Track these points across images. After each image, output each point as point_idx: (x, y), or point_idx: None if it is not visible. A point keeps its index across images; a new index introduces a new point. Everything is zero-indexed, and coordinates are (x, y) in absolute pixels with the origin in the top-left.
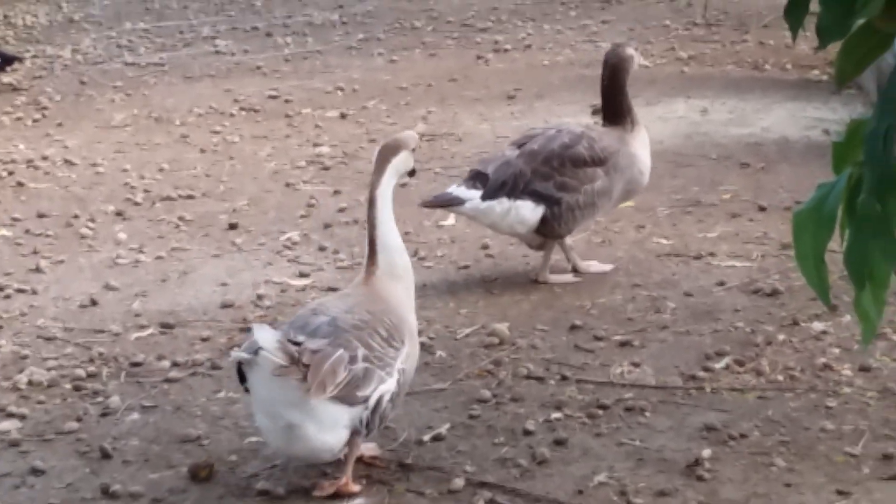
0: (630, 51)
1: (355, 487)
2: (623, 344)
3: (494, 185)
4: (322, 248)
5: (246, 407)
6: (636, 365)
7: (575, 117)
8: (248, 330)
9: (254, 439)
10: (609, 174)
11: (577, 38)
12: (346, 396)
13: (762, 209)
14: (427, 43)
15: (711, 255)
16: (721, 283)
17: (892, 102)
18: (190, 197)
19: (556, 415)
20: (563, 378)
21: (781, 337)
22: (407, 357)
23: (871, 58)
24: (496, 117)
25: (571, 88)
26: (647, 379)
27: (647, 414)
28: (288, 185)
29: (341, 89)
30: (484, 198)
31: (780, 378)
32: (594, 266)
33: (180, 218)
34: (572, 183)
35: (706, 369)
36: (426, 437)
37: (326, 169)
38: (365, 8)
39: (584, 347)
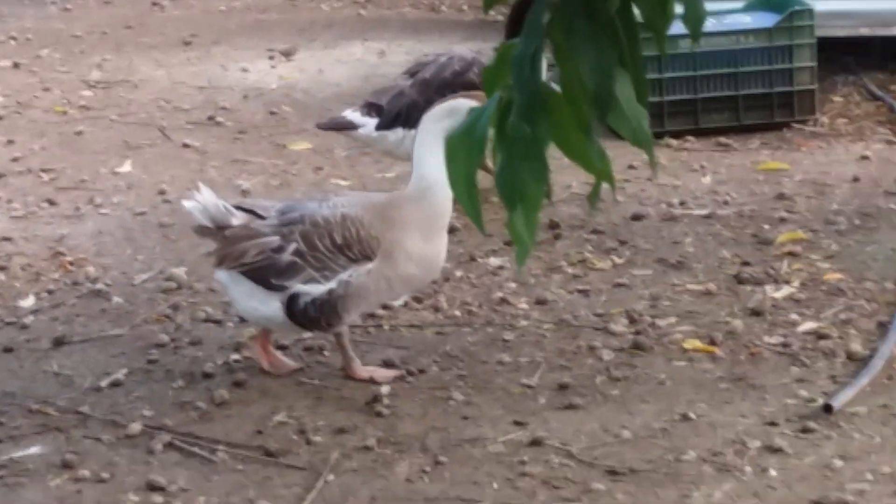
0: None
1: (362, 373)
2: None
3: (389, 115)
4: None
5: None
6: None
7: (252, 63)
8: None
9: None
10: None
11: None
12: (259, 279)
13: None
14: None
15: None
16: (490, 236)
17: (538, 26)
18: None
19: (234, 357)
20: (243, 320)
21: (459, 273)
22: (368, 273)
23: None
24: (172, 64)
25: (248, 34)
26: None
27: (326, 353)
28: None
29: (14, 38)
30: (378, 128)
31: (458, 313)
32: None
33: None
34: None
35: (385, 307)
36: (103, 384)
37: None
38: None
39: None
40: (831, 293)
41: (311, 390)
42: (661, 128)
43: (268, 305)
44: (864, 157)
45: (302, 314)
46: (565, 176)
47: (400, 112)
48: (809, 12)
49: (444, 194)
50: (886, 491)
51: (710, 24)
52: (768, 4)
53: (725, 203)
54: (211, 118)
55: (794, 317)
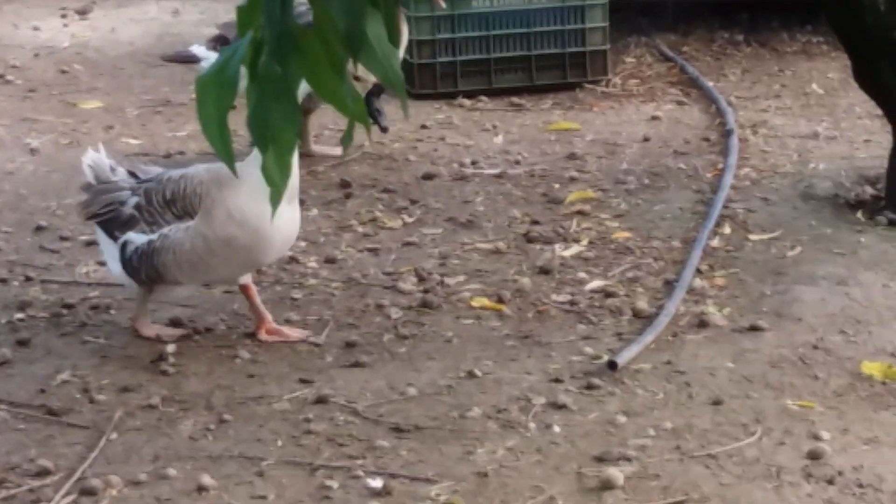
0: None
1: (145, 331)
2: (89, 244)
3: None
4: None
5: None
6: (102, 264)
7: (45, 21)
8: None
9: None
10: None
11: None
12: (108, 230)
13: None
14: None
15: (181, 153)
16: None
17: None
18: None
19: (19, 315)
20: (28, 279)
21: None
22: (186, 230)
23: None
24: None
25: None
26: (111, 277)
27: (113, 312)
28: None
29: None
30: None
31: None
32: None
33: None
34: None
35: None
36: None
37: None
38: None
39: (49, 248)
40: (619, 252)
41: (97, 349)
42: (454, 87)
43: (115, 259)
44: (655, 118)
45: (128, 263)
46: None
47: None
48: None
49: None
50: (668, 446)
51: None
52: None
53: (517, 163)
54: (0, 76)
55: (581, 275)
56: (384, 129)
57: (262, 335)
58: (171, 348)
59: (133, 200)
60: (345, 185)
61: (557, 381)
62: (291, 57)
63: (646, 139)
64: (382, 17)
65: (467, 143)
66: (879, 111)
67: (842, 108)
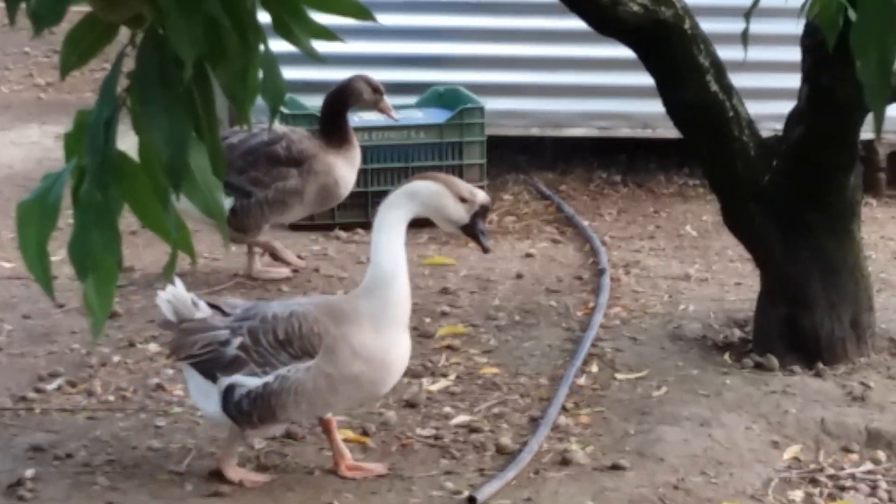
0: (361, 85)
1: (230, 473)
2: None
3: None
4: None
5: None
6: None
7: None
8: None
9: None
10: (302, 175)
11: None
12: (205, 371)
13: None
14: None
15: (54, 277)
16: (61, 306)
17: (111, 92)
18: None
19: None
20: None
21: (116, 358)
22: (307, 370)
23: (97, 48)
24: None
25: None
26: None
27: None
28: None
29: None
30: None
31: (112, 398)
32: (273, 272)
33: None
34: (264, 179)
35: (38, 390)
36: None
37: None
38: None
39: None
40: (486, 387)
41: None
42: (331, 220)
43: (210, 399)
44: (529, 255)
45: (236, 407)
46: (232, 263)
47: None
48: (480, 110)
49: (399, 286)
50: None
51: (382, 119)
52: (441, 101)
53: None
54: None
55: (447, 409)
56: (486, 251)
57: (343, 471)
58: (29, 473)
59: (237, 341)
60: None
61: None
62: (113, 184)
63: (519, 276)
64: (207, 148)
65: (341, 274)
66: (749, 255)
67: (714, 250)
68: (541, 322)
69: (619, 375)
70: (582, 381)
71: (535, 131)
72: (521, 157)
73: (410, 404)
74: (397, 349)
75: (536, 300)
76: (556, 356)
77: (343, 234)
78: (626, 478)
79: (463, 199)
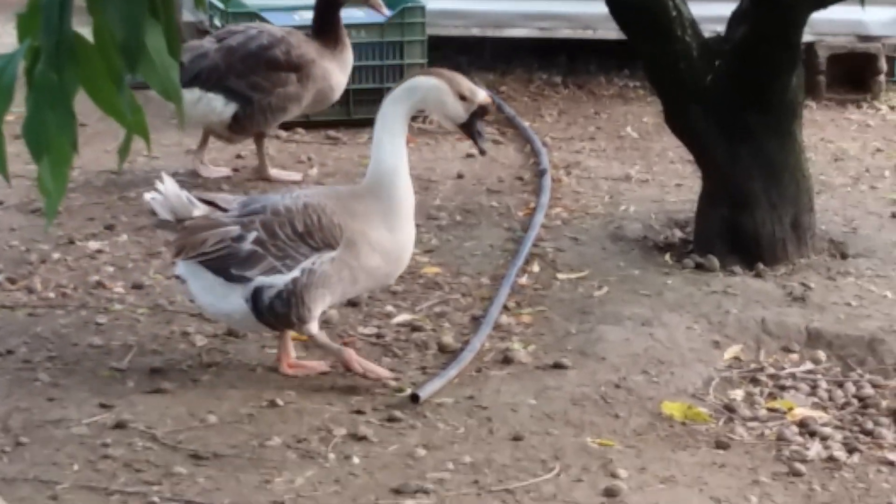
0: None
1: (287, 370)
2: None
3: (188, 74)
4: None
5: None
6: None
7: None
8: None
9: None
10: (301, 81)
11: None
12: (219, 269)
13: None
14: None
15: None
16: (0, 203)
17: None
18: None
19: None
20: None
21: (56, 255)
22: (332, 261)
23: None
24: None
25: None
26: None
27: None
28: None
29: None
30: None
31: (52, 295)
32: (284, 175)
33: None
34: (265, 84)
35: None
36: None
37: None
38: None
39: None
40: (428, 287)
41: None
42: None
43: (228, 300)
44: (470, 156)
45: (269, 310)
46: (171, 162)
47: (200, 72)
48: (421, 9)
49: (403, 181)
50: (466, 480)
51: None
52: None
53: None
54: None
55: (389, 308)
56: (483, 152)
57: (285, 369)
58: None
59: (251, 235)
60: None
61: (359, 412)
62: (68, 66)
63: (460, 176)
64: (162, 29)
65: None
66: (691, 156)
67: (655, 152)
68: (482, 222)
69: (560, 275)
70: (523, 280)
71: (475, 31)
72: (461, 57)
73: (352, 303)
74: (408, 241)
75: (478, 200)
76: (497, 256)
77: (283, 133)
78: (567, 376)
79: (463, 98)
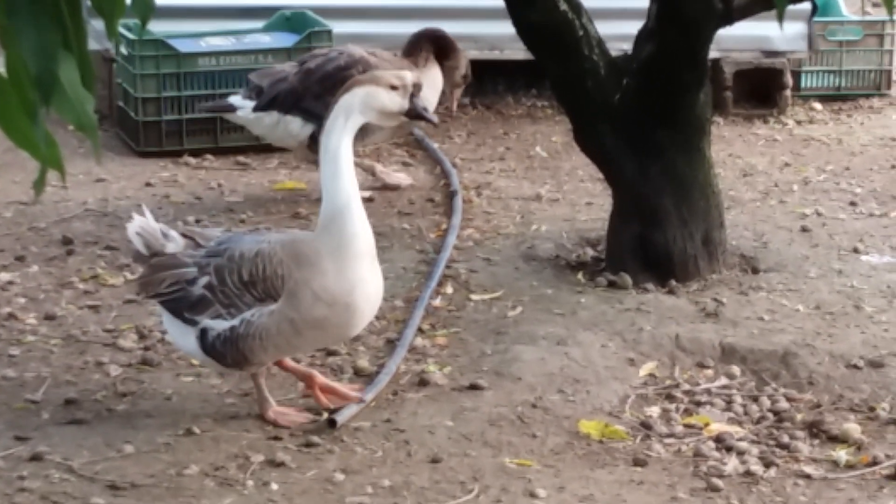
0: None
1: (269, 415)
2: None
3: (266, 98)
4: None
5: None
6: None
7: None
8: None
9: None
10: None
11: None
12: (174, 309)
13: None
14: None
15: None
16: None
17: None
18: None
19: None
20: None
21: None
22: (270, 315)
23: None
24: None
25: None
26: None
27: None
28: None
29: None
30: (255, 109)
31: None
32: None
33: None
34: None
35: None
36: None
37: None
38: None
39: None
40: None
41: None
42: (180, 146)
43: (186, 339)
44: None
45: (211, 349)
46: (81, 192)
47: (278, 96)
48: (328, 33)
49: (355, 217)
50: (385, 503)
51: (229, 43)
52: (288, 25)
53: (242, 222)
54: None
55: None
56: (436, 124)
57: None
58: None
59: (203, 280)
60: (67, 241)
61: (276, 438)
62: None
63: (370, 199)
64: (76, 61)
65: (192, 201)
66: (600, 174)
67: (564, 170)
68: (394, 245)
69: (474, 296)
70: (437, 302)
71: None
72: None
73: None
74: (363, 288)
75: (389, 223)
76: (410, 278)
77: (192, 160)
78: (484, 397)
79: (393, 87)
